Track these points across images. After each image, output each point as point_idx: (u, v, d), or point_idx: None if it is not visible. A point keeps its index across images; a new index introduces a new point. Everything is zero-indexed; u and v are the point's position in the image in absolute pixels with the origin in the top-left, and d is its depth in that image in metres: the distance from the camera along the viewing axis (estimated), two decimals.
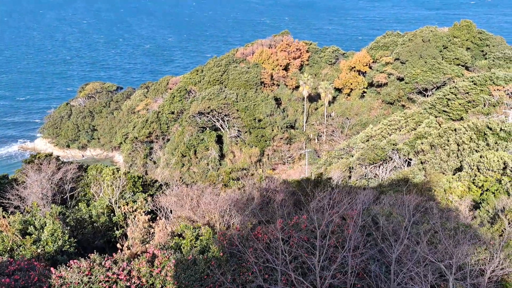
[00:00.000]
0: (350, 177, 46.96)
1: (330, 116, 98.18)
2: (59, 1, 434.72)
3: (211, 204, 26.10)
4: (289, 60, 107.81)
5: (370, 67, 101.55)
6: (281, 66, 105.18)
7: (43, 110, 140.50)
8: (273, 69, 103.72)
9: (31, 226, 19.42)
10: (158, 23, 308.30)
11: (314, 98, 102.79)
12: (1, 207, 22.08)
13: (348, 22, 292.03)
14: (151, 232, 23.26)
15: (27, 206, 23.95)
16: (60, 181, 27.88)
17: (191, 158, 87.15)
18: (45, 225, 19.36)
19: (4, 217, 19.78)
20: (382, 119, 72.66)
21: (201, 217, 25.88)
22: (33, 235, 18.84)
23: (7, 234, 18.53)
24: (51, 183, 26.92)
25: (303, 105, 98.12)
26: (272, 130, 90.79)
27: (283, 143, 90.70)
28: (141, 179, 29.40)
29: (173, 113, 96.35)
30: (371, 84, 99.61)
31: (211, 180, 49.04)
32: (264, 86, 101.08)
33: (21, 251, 17.94)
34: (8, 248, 17.98)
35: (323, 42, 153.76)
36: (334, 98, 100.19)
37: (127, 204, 25.48)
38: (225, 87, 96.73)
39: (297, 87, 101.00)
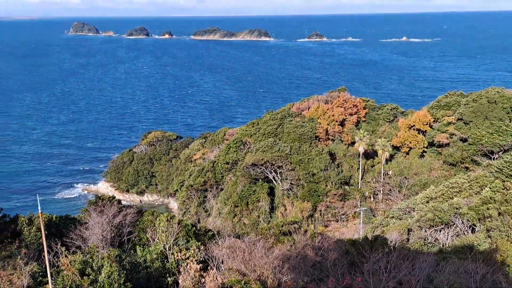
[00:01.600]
0: (408, 239, 44.83)
1: (387, 174, 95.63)
2: (130, 55, 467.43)
3: (263, 258, 25.77)
4: (345, 116, 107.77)
5: (431, 126, 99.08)
6: (337, 121, 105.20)
7: (108, 156, 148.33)
8: (329, 124, 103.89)
9: (89, 267, 20.01)
10: (219, 78, 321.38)
11: (370, 155, 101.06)
12: (64, 246, 23.02)
13: (408, 81, 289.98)
14: (202, 282, 23.17)
15: (87, 246, 24.80)
16: (119, 224, 28.80)
17: (242, 209, 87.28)
18: (102, 267, 19.89)
19: (66, 256, 20.57)
20: (444, 180, 69.75)
21: (252, 271, 25.52)
22: (90, 276, 19.37)
23: (68, 273, 19.19)
24: (111, 225, 27.86)
25: (359, 162, 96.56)
26: (326, 185, 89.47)
27: (336, 200, 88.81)
28: (194, 227, 29.73)
29: (228, 163, 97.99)
30: (431, 144, 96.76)
31: (262, 232, 48.58)
32: (319, 141, 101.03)
33: None
34: (67, 287, 18.55)
35: (381, 99, 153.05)
36: (391, 156, 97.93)
37: (180, 251, 25.72)
38: (280, 140, 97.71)
39: (353, 143, 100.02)
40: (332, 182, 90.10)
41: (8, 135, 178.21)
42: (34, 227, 26.66)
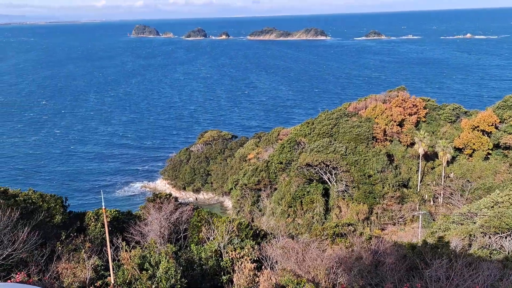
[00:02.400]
0: (470, 245, 42.60)
1: (449, 177, 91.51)
2: (188, 57, 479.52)
3: (317, 260, 25.49)
4: (404, 116, 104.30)
5: (497, 128, 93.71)
6: (395, 121, 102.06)
7: (166, 155, 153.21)
8: (387, 125, 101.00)
9: (147, 263, 20.71)
10: (275, 78, 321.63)
11: (430, 156, 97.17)
12: (124, 241, 23.97)
13: (473, 80, 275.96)
14: (256, 281, 23.27)
15: (146, 242, 25.68)
16: (176, 221, 29.59)
17: (296, 209, 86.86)
18: (160, 263, 20.52)
19: (126, 251, 21.43)
20: (510, 184, 65.67)
21: (306, 272, 25.32)
22: (149, 271, 20.04)
23: (127, 267, 19.98)
24: (169, 222, 28.69)
25: (418, 164, 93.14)
26: (383, 187, 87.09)
27: (394, 202, 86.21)
28: (249, 226, 29.94)
29: (281, 163, 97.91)
30: (497, 146, 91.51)
31: (316, 233, 48.04)
32: (376, 141, 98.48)
33: (138, 285, 19.13)
34: (127, 281, 19.33)
35: (444, 99, 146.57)
36: (453, 158, 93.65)
37: (234, 250, 25.99)
38: (335, 140, 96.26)
39: (412, 144, 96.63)
40: (389, 184, 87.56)
41: (73, 135, 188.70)
42: (99, 223, 28.00)
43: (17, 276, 18.77)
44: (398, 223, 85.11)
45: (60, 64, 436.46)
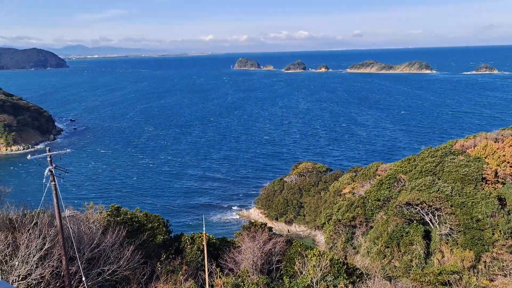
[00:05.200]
0: None
1: None
2: (286, 90, 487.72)
3: None
4: None
5: None
6: (508, 162, 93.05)
7: (260, 184, 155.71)
8: (498, 165, 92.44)
9: None
10: (376, 112, 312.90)
11: None
12: (219, 267, 24.38)
13: None
14: None
15: (239, 270, 25.86)
16: (269, 251, 29.49)
17: (393, 251, 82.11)
18: None
19: (220, 277, 21.74)
20: None
21: None
22: None
23: None
24: (262, 252, 28.69)
25: None
26: (493, 234, 79.01)
27: (505, 251, 77.54)
28: (345, 265, 28.82)
29: (379, 200, 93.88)
30: None
31: (416, 278, 44.79)
32: (486, 183, 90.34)
33: None
34: None
35: None
36: None
37: (327, 287, 25.09)
38: (439, 179, 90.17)
39: None
40: (500, 231, 79.22)
41: (177, 161, 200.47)
42: (195, 246, 28.91)
43: None
44: (510, 274, 76.24)
45: (168, 94, 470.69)
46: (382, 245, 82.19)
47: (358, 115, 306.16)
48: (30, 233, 29.16)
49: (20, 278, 27.38)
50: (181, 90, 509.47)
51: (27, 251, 28.21)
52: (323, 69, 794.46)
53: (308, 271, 25.56)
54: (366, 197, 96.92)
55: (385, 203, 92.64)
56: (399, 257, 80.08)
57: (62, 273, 29.00)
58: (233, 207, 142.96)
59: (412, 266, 75.62)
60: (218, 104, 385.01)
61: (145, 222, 28.76)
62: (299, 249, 32.50)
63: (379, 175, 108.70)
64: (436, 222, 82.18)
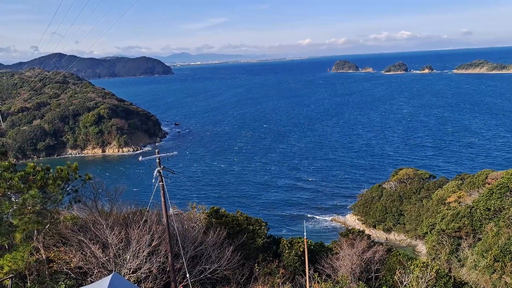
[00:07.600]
0: None
1: None
2: (386, 93, 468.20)
3: None
4: None
5: None
6: None
7: (356, 191, 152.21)
8: None
9: None
10: (490, 119, 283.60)
11: None
12: (316, 272, 24.36)
13: None
14: None
15: (337, 276, 25.57)
16: (368, 259, 28.75)
17: (505, 265, 74.97)
18: None
19: (318, 282, 21.70)
20: None
21: None
22: None
23: None
24: (361, 259, 28.06)
25: None
26: None
27: None
28: (451, 279, 27.08)
29: (489, 210, 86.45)
30: None
31: None
32: None
33: None
34: None
35: None
36: None
37: None
38: None
39: None
40: None
41: (269, 168, 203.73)
42: (293, 251, 29.21)
43: None
44: None
45: (265, 99, 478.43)
46: (491, 259, 75.55)
47: (470, 122, 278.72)
48: (140, 229, 31.64)
49: (131, 271, 29.82)
50: (277, 95, 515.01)
51: (138, 246, 30.65)
52: (426, 70, 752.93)
53: (410, 282, 24.47)
54: (474, 207, 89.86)
55: (496, 214, 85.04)
56: (511, 273, 72.96)
57: (168, 269, 31.04)
58: (328, 213, 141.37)
59: None
60: (314, 110, 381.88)
61: (246, 224, 29.67)
62: (400, 259, 31.24)
63: (489, 184, 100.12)
64: None
